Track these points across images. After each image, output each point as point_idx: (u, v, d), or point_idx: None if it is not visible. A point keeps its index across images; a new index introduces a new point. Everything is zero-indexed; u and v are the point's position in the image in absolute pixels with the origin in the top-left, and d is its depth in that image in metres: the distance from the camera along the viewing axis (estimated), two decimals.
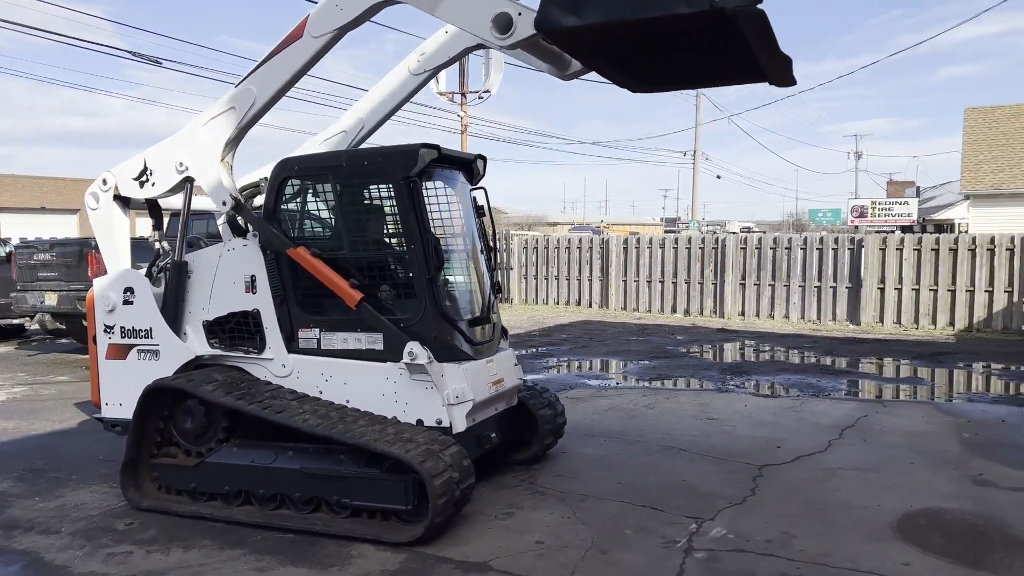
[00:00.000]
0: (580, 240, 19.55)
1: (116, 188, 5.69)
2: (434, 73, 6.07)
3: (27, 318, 13.56)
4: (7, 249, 13.71)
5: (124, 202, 5.78)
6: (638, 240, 18.71)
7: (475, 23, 4.44)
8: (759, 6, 3.79)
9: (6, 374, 10.45)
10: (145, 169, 5.60)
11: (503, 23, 4.31)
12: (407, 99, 6.17)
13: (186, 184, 5.53)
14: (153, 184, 5.59)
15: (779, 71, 4.69)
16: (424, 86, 6.25)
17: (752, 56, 4.29)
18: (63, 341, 13.83)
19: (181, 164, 5.46)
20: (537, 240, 20.28)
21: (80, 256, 10.99)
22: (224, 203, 5.32)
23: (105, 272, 11.10)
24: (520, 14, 4.25)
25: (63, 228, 40.87)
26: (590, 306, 19.05)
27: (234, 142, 5.42)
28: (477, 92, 21.73)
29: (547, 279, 19.84)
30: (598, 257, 18.97)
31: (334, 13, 5.01)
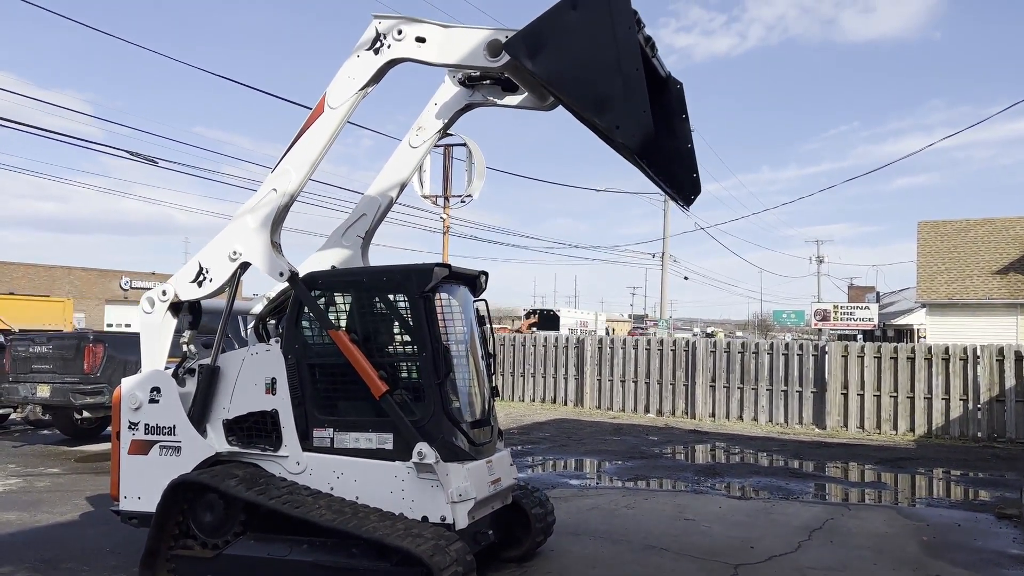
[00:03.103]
0: (556, 338, 20.16)
1: (175, 296, 6.14)
2: (433, 142, 6.81)
3: (13, 409, 13.68)
4: None
5: (175, 310, 6.22)
6: (612, 340, 19.36)
7: (472, 55, 5.44)
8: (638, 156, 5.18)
9: None
10: (201, 270, 6.08)
11: (494, 48, 5.32)
12: (413, 172, 6.88)
13: (238, 272, 6.03)
14: (211, 280, 6.05)
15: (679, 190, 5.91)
16: (426, 156, 7.07)
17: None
18: (45, 432, 13.90)
19: (235, 252, 5.97)
20: (515, 337, 20.85)
21: (77, 350, 11.30)
22: (281, 274, 5.81)
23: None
24: (506, 36, 5.25)
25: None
26: (565, 404, 19.49)
27: (279, 220, 6.00)
28: (460, 196, 22.73)
29: (523, 376, 20.31)
30: (573, 356, 19.54)
31: (347, 83, 5.84)
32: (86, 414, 11.50)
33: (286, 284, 5.97)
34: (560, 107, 5.95)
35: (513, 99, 6.22)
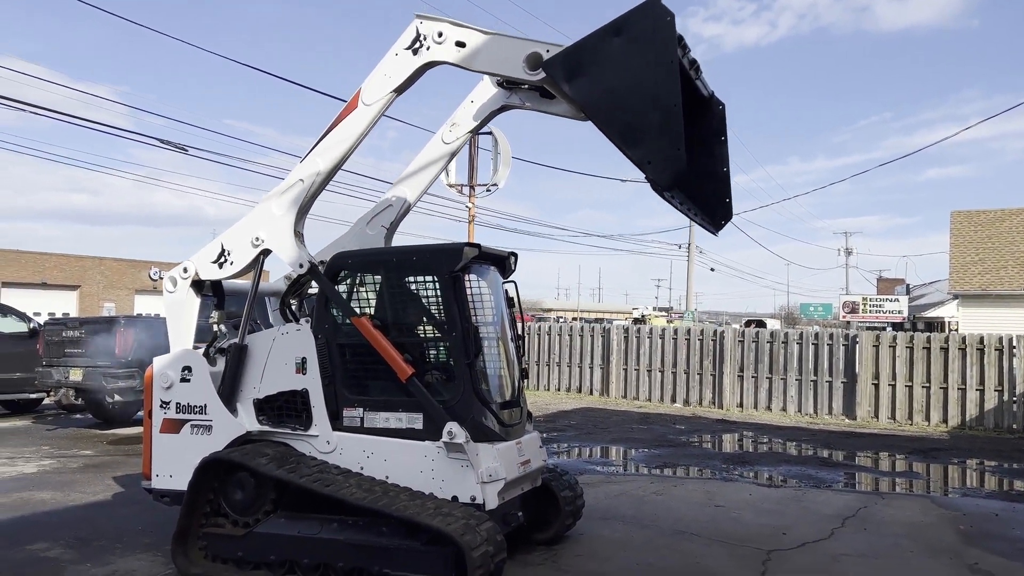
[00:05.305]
0: (582, 327, 20.09)
1: (196, 274, 6.17)
2: (466, 139, 6.73)
3: (46, 393, 13.88)
4: (31, 325, 14.13)
5: (198, 287, 6.26)
6: (639, 330, 19.24)
7: (510, 65, 5.33)
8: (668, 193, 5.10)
9: (31, 447, 10.72)
10: (223, 251, 6.10)
11: (534, 61, 5.18)
12: (443, 168, 6.82)
13: (260, 258, 6.04)
14: (232, 263, 6.08)
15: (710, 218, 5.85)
16: (457, 153, 6.96)
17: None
18: (78, 416, 14.09)
19: (257, 239, 5.99)
20: (539, 326, 20.81)
21: (109, 334, 11.42)
22: (301, 266, 5.84)
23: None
24: (548, 51, 5.12)
25: (64, 303, 41.36)
26: (591, 393, 19.41)
27: (304, 211, 6.00)
28: (486, 185, 22.67)
29: (548, 365, 20.25)
30: (599, 345, 19.45)
31: (383, 81, 5.78)
32: (118, 398, 11.62)
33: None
34: None
35: (550, 106, 6.07)
